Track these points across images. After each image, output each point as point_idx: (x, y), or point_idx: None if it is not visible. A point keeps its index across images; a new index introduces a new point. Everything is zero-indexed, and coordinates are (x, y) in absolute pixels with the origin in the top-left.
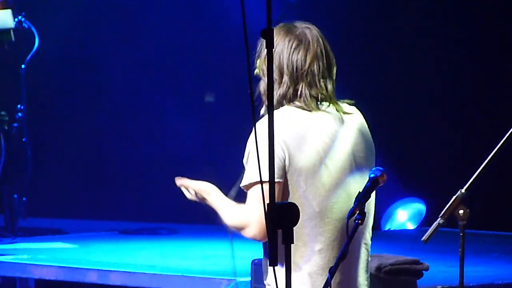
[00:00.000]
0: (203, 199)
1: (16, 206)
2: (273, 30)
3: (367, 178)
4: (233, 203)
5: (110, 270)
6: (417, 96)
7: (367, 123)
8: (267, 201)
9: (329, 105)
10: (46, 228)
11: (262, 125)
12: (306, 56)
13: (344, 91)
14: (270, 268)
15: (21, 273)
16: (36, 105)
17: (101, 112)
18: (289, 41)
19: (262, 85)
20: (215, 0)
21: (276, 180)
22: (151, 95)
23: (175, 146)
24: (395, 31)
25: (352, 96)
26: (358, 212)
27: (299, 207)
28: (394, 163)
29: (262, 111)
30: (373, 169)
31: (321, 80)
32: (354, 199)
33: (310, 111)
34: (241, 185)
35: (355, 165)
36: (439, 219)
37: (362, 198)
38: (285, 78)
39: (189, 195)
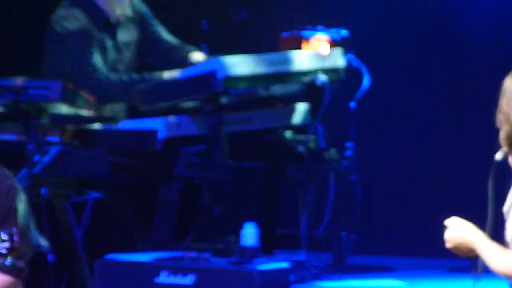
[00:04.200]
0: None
1: (345, 243)
2: None
3: None
4: (498, 247)
5: None
6: None
7: None
8: None
9: None
10: (375, 265)
11: None
12: None
13: None
14: None
15: None
16: (366, 143)
17: (427, 147)
18: None
19: (504, 129)
20: None
21: None
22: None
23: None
24: None
25: None
26: None
27: None
28: None
29: (498, 155)
30: None
31: None
32: None
33: None
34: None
35: None
36: None
37: None
38: None
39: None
